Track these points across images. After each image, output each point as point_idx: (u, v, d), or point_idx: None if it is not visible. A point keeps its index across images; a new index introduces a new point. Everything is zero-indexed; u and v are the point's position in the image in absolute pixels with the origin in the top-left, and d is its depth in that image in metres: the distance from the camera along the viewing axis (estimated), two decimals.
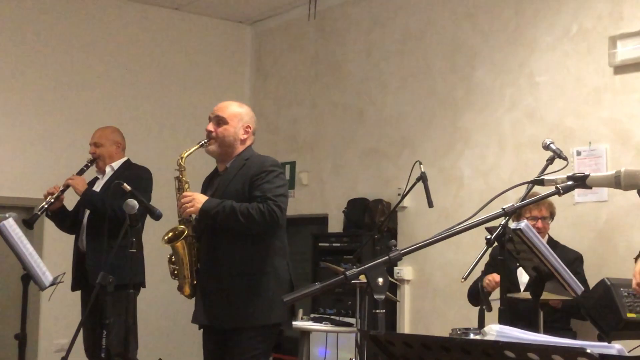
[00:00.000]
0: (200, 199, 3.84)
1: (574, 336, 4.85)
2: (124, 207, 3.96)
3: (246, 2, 7.69)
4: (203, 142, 3.99)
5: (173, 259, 3.99)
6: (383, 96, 6.82)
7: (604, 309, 4.14)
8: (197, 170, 4.43)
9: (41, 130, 7.03)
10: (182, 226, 3.96)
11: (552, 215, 4.95)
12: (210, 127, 3.98)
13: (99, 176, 5.32)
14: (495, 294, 4.61)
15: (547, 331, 4.09)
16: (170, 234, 3.96)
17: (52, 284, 4.52)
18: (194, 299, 4.02)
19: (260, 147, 4.23)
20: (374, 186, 6.75)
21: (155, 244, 4.29)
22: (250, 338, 3.81)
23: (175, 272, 4.01)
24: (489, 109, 5.94)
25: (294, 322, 4.61)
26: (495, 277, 4.71)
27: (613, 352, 1.21)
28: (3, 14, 6.91)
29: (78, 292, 5.20)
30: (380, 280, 1.86)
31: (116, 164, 5.28)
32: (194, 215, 3.94)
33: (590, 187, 1.93)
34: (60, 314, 6.47)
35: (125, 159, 5.35)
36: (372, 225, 6.30)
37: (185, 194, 3.91)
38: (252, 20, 8.26)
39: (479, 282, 4.78)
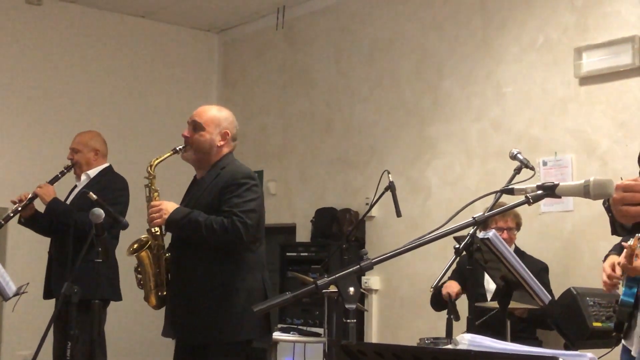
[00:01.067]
0: (168, 208, 3.74)
1: (540, 345, 4.88)
2: (90, 216, 3.90)
3: (214, 11, 7.66)
4: (178, 148, 3.91)
5: (139, 269, 3.95)
6: (351, 105, 6.83)
7: (570, 318, 4.18)
8: (176, 176, 4.37)
9: (15, 137, 6.96)
10: (145, 236, 3.90)
11: (518, 226, 4.98)
12: (187, 132, 3.88)
13: (77, 183, 5.22)
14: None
15: (513, 340, 4.11)
16: (136, 245, 3.91)
17: (16, 294, 4.45)
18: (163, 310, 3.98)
19: None
20: (341, 195, 6.75)
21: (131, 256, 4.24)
22: (218, 355, 3.74)
23: (142, 282, 3.95)
24: (456, 118, 5.97)
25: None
26: (453, 286, 4.73)
27: None
28: None
29: (43, 302, 5.11)
30: (352, 289, 1.85)
31: (93, 172, 5.13)
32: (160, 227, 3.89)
33: (559, 197, 1.93)
34: (23, 325, 6.37)
35: (105, 165, 5.21)
36: (340, 235, 6.30)
37: (153, 203, 3.83)
38: (219, 29, 8.24)
39: (437, 289, 4.77)
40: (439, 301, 4.81)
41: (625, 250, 3.12)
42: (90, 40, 7.51)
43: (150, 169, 3.97)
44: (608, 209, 2.00)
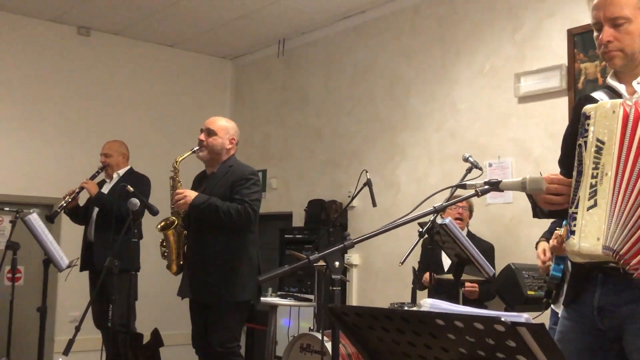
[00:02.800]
0: (191, 195, 3.78)
1: (486, 309, 4.90)
2: (128, 205, 3.91)
3: (228, 42, 7.64)
4: (195, 148, 3.94)
5: (164, 244, 3.96)
6: (337, 118, 6.83)
7: (509, 288, 4.19)
8: (188, 171, 4.38)
9: (60, 140, 6.92)
10: (173, 217, 3.92)
11: (471, 210, 4.99)
12: (202, 137, 3.94)
13: (107, 180, 5.27)
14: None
15: (464, 305, 4.13)
16: (163, 223, 3.93)
17: (68, 266, 4.47)
18: (180, 276, 3.98)
19: (239, 157, 4.19)
20: (329, 190, 6.75)
21: (152, 234, 4.22)
22: (227, 311, 3.77)
23: (165, 254, 3.97)
24: (420, 129, 5.97)
25: (264, 298, 4.57)
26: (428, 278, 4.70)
27: (522, 319, 1.21)
28: (36, 44, 6.79)
29: (87, 274, 5.13)
30: (337, 263, 1.85)
31: (122, 171, 5.25)
32: (183, 210, 3.90)
33: (502, 191, 1.94)
34: (74, 291, 6.33)
35: (129, 167, 5.33)
36: (328, 221, 6.30)
37: (178, 190, 3.87)
38: (232, 56, 8.21)
39: (418, 271, 4.77)
40: (419, 284, 4.81)
41: (556, 237, 3.15)
42: (131, 65, 7.49)
43: (176, 164, 4.03)
44: (530, 196, 2.00)
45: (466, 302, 4.43)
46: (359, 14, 6.60)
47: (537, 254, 3.48)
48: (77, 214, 5.14)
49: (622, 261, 1.71)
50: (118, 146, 5.31)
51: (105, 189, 5.16)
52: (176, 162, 4.03)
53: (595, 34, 1.97)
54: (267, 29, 7.15)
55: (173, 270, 3.97)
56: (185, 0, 6.39)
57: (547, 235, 3.66)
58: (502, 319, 1.20)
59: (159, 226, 3.92)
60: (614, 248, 1.70)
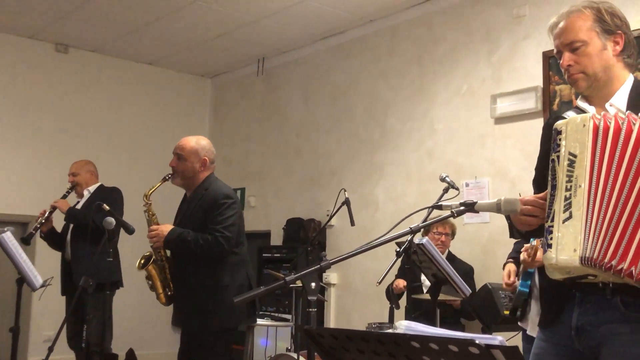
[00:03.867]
0: (164, 231, 3.71)
1: (463, 330, 4.90)
2: (104, 224, 3.86)
3: (208, 60, 7.64)
4: (166, 176, 3.88)
5: (148, 278, 3.90)
6: (316, 137, 6.84)
7: (486, 307, 4.19)
8: (168, 196, 4.34)
9: (35, 157, 6.86)
10: (149, 252, 3.86)
11: (453, 233, 4.99)
12: (173, 162, 3.84)
13: (79, 199, 5.23)
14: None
15: (442, 325, 4.13)
16: (142, 260, 3.86)
17: (42, 286, 4.40)
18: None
19: (218, 176, 4.14)
20: (308, 208, 6.74)
21: (133, 249, 4.16)
22: (210, 340, 3.69)
23: (152, 287, 3.91)
24: (398, 148, 6.00)
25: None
26: (400, 282, 4.74)
27: (496, 342, 1.21)
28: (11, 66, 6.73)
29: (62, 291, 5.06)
30: (313, 284, 1.84)
31: (92, 188, 5.22)
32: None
33: (477, 212, 1.95)
34: (48, 311, 6.25)
35: (99, 184, 5.28)
36: (306, 240, 6.29)
37: (152, 227, 3.79)
38: (212, 74, 8.21)
39: (390, 286, 4.79)
40: (391, 297, 4.82)
41: (527, 250, 3.19)
42: (109, 82, 7.45)
43: (146, 198, 3.94)
44: (507, 217, 2.01)
45: (444, 313, 4.44)
46: (338, 34, 6.64)
47: (503, 276, 3.53)
48: (54, 239, 5.10)
49: (612, 269, 1.70)
50: (84, 164, 5.31)
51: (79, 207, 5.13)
52: (146, 195, 3.95)
53: (560, 62, 2.04)
54: (247, 48, 7.17)
55: (162, 302, 3.91)
56: (165, 18, 6.39)
57: (513, 255, 3.69)
58: (477, 342, 1.20)
59: (139, 265, 3.86)
60: (592, 257, 1.71)
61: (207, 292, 3.67)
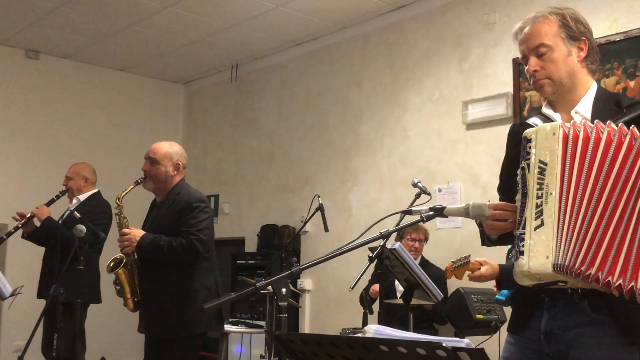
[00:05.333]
0: (137, 236, 3.67)
1: (436, 333, 4.92)
2: (74, 231, 3.81)
3: (181, 66, 7.61)
4: (139, 180, 3.86)
5: (117, 282, 3.86)
6: (290, 143, 6.84)
7: (459, 312, 4.23)
8: (138, 200, 4.30)
9: (6, 164, 6.75)
10: (121, 255, 3.82)
11: (426, 239, 5.01)
12: (146, 166, 3.83)
13: (69, 206, 5.09)
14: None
15: (415, 330, 4.15)
16: (112, 263, 3.81)
17: (12, 294, 4.32)
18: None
19: (191, 182, 4.12)
20: (282, 214, 6.73)
21: (100, 262, 4.11)
22: (181, 345, 3.66)
23: (120, 292, 3.86)
24: (371, 155, 6.03)
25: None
26: (376, 287, 4.76)
27: (462, 345, 1.23)
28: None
29: (35, 301, 4.92)
30: (284, 290, 1.84)
31: (83, 196, 4.98)
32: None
33: (447, 217, 1.96)
34: (19, 320, 6.14)
35: (94, 191, 5.05)
36: (280, 246, 6.28)
37: (124, 231, 3.74)
38: (185, 81, 8.18)
39: (364, 291, 4.80)
40: (364, 302, 4.83)
41: (451, 263, 3.25)
42: (81, 88, 7.38)
43: (118, 200, 3.90)
44: (479, 224, 2.03)
45: (417, 318, 4.45)
46: (311, 40, 6.66)
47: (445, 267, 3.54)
48: (38, 238, 4.90)
49: (581, 275, 1.72)
50: (81, 169, 5.07)
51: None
52: (118, 198, 3.90)
53: (525, 67, 2.05)
54: (220, 54, 7.16)
55: (130, 307, 3.86)
56: (137, 25, 6.36)
57: None
58: (444, 344, 1.21)
59: (109, 267, 3.82)
60: (564, 264, 1.73)
61: (177, 298, 3.65)
